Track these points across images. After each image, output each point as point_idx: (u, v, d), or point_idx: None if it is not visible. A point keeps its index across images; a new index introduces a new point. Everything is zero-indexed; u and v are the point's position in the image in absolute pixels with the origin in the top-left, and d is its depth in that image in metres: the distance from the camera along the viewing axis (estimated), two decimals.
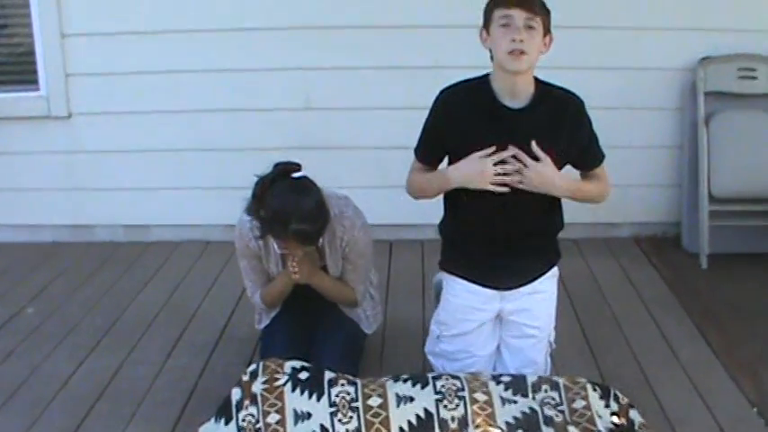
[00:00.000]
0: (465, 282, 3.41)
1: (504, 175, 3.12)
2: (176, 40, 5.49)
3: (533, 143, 3.11)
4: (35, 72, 5.67)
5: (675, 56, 5.43)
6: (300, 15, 5.42)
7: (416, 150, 3.42)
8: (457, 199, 3.34)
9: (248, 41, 5.47)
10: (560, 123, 3.21)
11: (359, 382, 3.28)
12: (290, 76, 5.54)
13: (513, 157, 3.12)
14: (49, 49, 5.58)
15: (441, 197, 3.41)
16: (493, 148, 3.13)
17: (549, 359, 3.55)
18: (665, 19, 5.35)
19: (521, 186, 3.12)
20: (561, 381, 3.29)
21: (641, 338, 4.32)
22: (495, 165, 3.11)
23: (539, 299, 3.43)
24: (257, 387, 3.19)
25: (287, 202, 3.37)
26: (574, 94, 3.29)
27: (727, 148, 5.28)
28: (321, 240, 3.58)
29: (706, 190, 5.28)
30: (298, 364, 3.27)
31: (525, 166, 3.11)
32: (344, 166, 5.43)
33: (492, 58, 3.19)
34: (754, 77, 5.32)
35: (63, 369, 4.08)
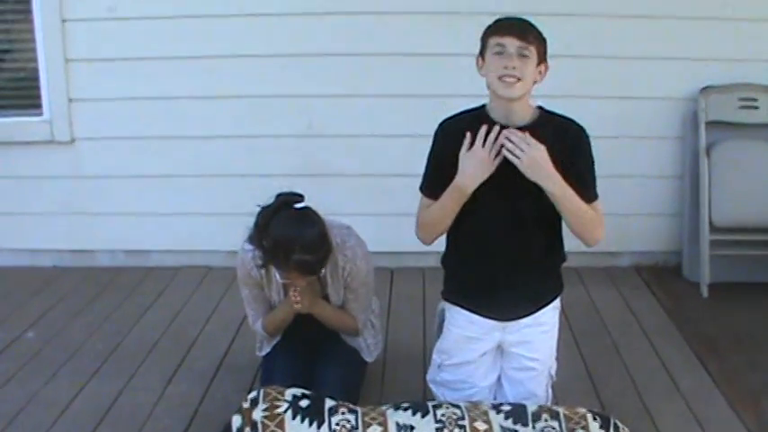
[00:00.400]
0: (466, 312, 3.41)
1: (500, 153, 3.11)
2: (179, 66, 5.52)
3: (526, 134, 3.10)
4: (39, 97, 5.69)
5: (677, 85, 5.45)
6: (302, 42, 5.45)
7: (422, 186, 3.37)
8: (458, 230, 3.34)
9: (251, 68, 5.50)
10: (559, 146, 3.18)
11: (359, 410, 3.27)
12: (293, 102, 5.56)
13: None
14: (53, 74, 5.60)
15: None
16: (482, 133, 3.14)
17: (550, 391, 3.54)
18: (666, 48, 5.37)
19: (515, 162, 3.08)
20: (561, 410, 3.27)
21: (641, 368, 4.31)
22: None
23: (540, 331, 3.42)
24: (258, 414, 3.17)
25: (290, 232, 3.38)
26: (576, 122, 3.29)
27: (728, 178, 5.29)
28: (323, 270, 3.58)
29: (707, 219, 5.28)
30: (298, 391, 3.26)
31: (521, 149, 3.09)
32: (346, 192, 5.44)
33: (488, 86, 3.21)
34: (755, 107, 5.33)
35: (63, 395, 4.07)
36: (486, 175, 3.13)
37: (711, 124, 5.32)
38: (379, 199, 5.50)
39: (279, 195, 3.50)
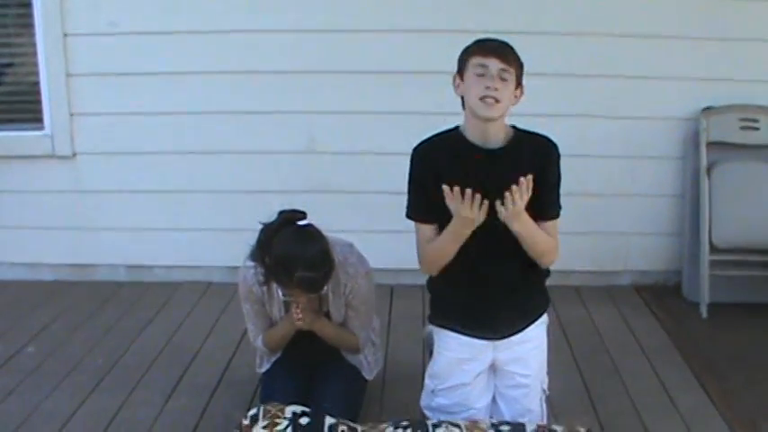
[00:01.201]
0: (456, 334, 3.40)
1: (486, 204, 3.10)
2: (180, 81, 5.53)
3: (522, 179, 3.06)
4: (40, 111, 5.71)
5: (678, 105, 5.46)
6: (304, 59, 5.47)
7: (409, 213, 3.38)
8: None
9: (252, 84, 5.52)
10: (532, 162, 3.20)
11: (359, 427, 3.28)
12: (294, 119, 5.57)
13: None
14: (54, 88, 5.62)
15: None
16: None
17: (544, 406, 3.53)
18: (667, 69, 5.39)
19: (501, 212, 3.09)
20: (560, 429, 3.28)
21: (640, 387, 4.31)
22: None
23: (530, 347, 3.43)
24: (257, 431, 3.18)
25: (292, 249, 3.39)
26: (549, 138, 3.30)
27: (729, 198, 5.30)
28: (325, 287, 3.59)
29: (707, 239, 5.29)
30: (298, 408, 3.27)
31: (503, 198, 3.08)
32: (346, 209, 5.45)
33: (463, 105, 3.22)
34: (756, 128, 5.34)
35: (63, 409, 4.07)
36: (481, 219, 3.11)
37: (712, 145, 5.33)
38: (378, 216, 5.50)
39: (281, 213, 3.51)
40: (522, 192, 3.05)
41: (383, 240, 5.02)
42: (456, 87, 3.25)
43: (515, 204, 3.05)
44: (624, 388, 4.31)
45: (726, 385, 4.32)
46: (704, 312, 5.28)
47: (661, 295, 5.62)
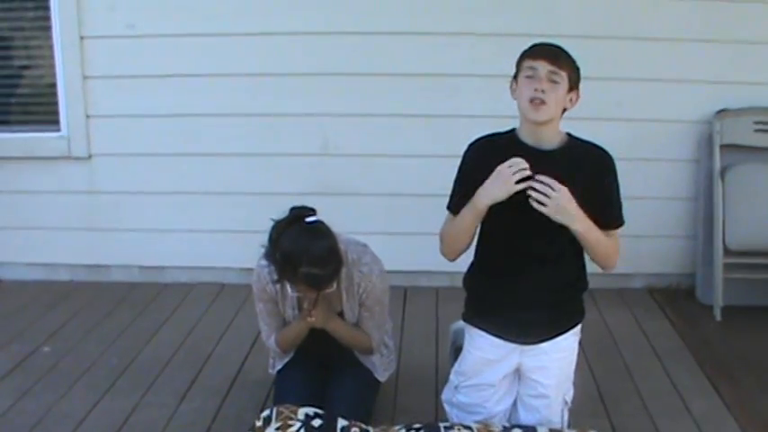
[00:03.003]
0: (488, 335, 3.40)
1: (528, 188, 3.09)
2: (196, 83, 5.56)
3: (552, 180, 3.08)
4: (57, 113, 5.75)
5: (692, 108, 5.46)
6: (318, 62, 5.49)
7: (450, 205, 3.40)
8: (484, 250, 3.38)
9: (267, 87, 5.53)
10: (584, 171, 3.22)
11: (371, 430, 3.29)
12: (308, 121, 5.59)
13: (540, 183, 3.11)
14: (71, 90, 5.65)
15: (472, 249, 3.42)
16: (513, 161, 3.13)
17: (566, 417, 3.52)
18: (681, 71, 5.39)
19: (541, 209, 3.09)
20: None
21: (653, 390, 4.31)
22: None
23: (558, 357, 3.42)
24: None
25: (298, 245, 3.39)
26: (602, 148, 3.31)
27: (743, 201, 5.29)
28: (338, 286, 3.60)
29: (721, 242, 5.28)
30: (311, 410, 3.28)
31: (552, 189, 3.09)
32: (361, 212, 5.46)
33: (518, 109, 3.23)
34: None
35: (78, 409, 4.10)
36: (502, 196, 3.12)
37: (726, 147, 5.33)
38: (393, 218, 5.51)
39: (292, 209, 3.53)
40: (548, 185, 3.06)
41: (397, 243, 5.03)
42: (512, 92, 3.26)
43: (551, 196, 3.06)
44: (637, 391, 4.31)
45: (739, 389, 4.32)
46: (718, 315, 5.27)
47: (674, 298, 5.61)
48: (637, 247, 5.60)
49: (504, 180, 3.12)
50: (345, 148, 5.61)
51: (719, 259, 5.28)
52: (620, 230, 3.36)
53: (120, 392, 4.30)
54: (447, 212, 3.41)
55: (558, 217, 3.11)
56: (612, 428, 3.88)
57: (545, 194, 3.07)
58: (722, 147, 5.32)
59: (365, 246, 3.78)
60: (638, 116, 5.45)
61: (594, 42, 5.31)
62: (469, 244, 3.35)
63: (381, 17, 5.42)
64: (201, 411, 4.09)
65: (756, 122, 5.34)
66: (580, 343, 4.57)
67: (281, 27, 5.45)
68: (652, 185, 5.55)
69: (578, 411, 3.72)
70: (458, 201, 3.36)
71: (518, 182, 3.09)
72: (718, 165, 5.31)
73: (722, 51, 5.35)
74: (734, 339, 4.98)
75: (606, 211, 3.28)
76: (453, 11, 5.36)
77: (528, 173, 3.09)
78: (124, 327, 5.14)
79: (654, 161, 5.53)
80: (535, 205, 3.09)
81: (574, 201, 3.10)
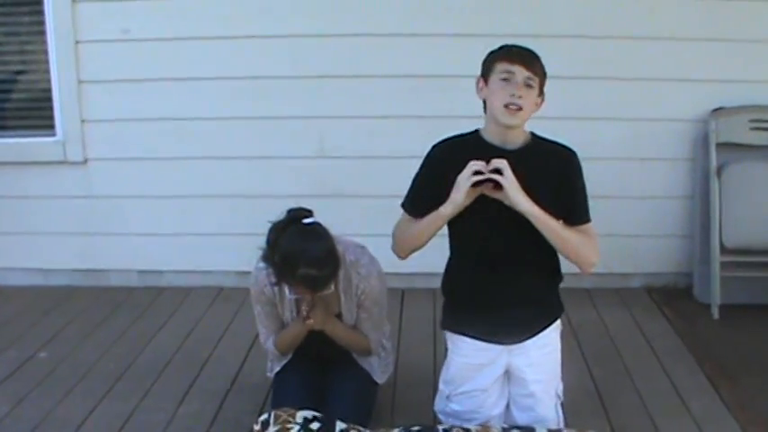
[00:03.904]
0: (470, 339, 3.40)
1: (485, 180, 3.08)
2: (191, 87, 5.56)
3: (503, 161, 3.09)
4: (52, 117, 5.75)
5: (687, 107, 5.46)
6: (314, 64, 5.48)
7: (405, 203, 3.42)
8: (458, 257, 3.40)
9: (263, 90, 5.53)
10: (549, 171, 3.23)
11: None
12: (305, 123, 5.59)
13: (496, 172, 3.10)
14: (66, 95, 5.65)
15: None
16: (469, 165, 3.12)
17: (560, 412, 3.51)
18: (677, 70, 5.39)
19: (499, 194, 3.08)
20: None
21: (652, 390, 4.30)
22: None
23: (544, 353, 3.41)
24: None
25: (295, 246, 3.40)
26: (567, 147, 3.31)
27: (739, 199, 5.29)
28: (336, 287, 3.60)
29: (718, 241, 5.28)
30: (309, 413, 3.27)
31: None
32: (357, 213, 5.45)
33: (485, 109, 3.23)
34: (766, 129, 5.33)
35: (75, 414, 4.09)
36: (460, 198, 3.11)
37: (722, 146, 5.33)
38: (390, 220, 5.45)
39: (289, 211, 3.53)
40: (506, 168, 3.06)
41: None
42: (479, 90, 3.26)
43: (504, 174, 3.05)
44: (635, 390, 4.30)
45: (738, 387, 4.31)
46: (716, 314, 5.27)
47: (672, 297, 5.61)
48: (634, 246, 5.62)
49: (459, 185, 3.11)
50: (342, 150, 5.61)
51: (716, 258, 5.29)
52: (591, 226, 3.33)
53: (118, 397, 4.30)
54: (403, 212, 3.43)
55: (519, 196, 3.08)
56: (611, 428, 3.88)
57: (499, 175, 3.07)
58: (718, 145, 5.32)
59: (363, 247, 3.78)
60: (634, 115, 5.45)
61: (590, 42, 5.32)
62: (424, 246, 3.35)
63: (378, 19, 5.42)
64: (200, 415, 4.08)
65: (752, 120, 5.34)
66: (578, 342, 4.59)
67: (277, 30, 5.45)
68: (648, 185, 5.55)
69: (577, 411, 3.73)
70: (414, 202, 3.39)
71: (475, 178, 3.09)
72: (714, 163, 5.31)
73: (718, 50, 5.35)
74: (732, 337, 4.98)
75: (572, 207, 3.28)
76: (450, 12, 5.37)
77: (481, 166, 3.09)
78: (122, 331, 5.14)
79: (650, 160, 5.53)
80: (490, 193, 3.09)
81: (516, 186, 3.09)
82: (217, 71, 5.53)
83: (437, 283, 5.37)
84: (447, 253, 3.45)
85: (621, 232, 5.45)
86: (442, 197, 3.18)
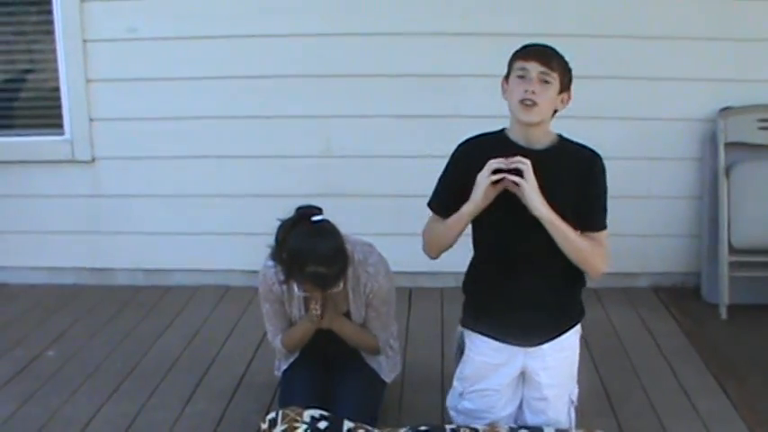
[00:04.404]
0: (488, 339, 3.39)
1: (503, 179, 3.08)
2: (199, 86, 5.56)
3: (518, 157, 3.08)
4: (60, 116, 5.75)
5: (695, 106, 5.45)
6: (321, 64, 5.49)
7: (431, 202, 3.41)
8: (480, 255, 3.38)
9: (270, 89, 5.53)
10: (573, 173, 3.22)
11: (377, 431, 3.28)
12: (311, 123, 5.59)
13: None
14: (74, 94, 5.66)
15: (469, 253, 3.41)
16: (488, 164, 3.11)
17: (573, 416, 3.50)
18: (685, 69, 5.38)
19: (517, 189, 3.07)
20: None
21: (659, 390, 4.29)
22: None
23: (562, 357, 3.40)
24: None
25: (304, 244, 3.40)
26: (593, 150, 3.29)
27: (748, 199, 5.28)
28: (344, 285, 3.60)
29: (726, 240, 5.27)
30: (317, 412, 3.27)
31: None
32: (364, 213, 5.45)
33: (509, 109, 3.22)
34: None
35: (82, 413, 4.09)
36: (479, 196, 3.11)
37: (730, 145, 5.31)
38: (396, 219, 5.50)
39: (298, 209, 3.53)
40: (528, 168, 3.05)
41: (401, 243, 4.99)
42: (503, 92, 3.25)
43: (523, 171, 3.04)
44: (643, 390, 4.30)
45: (746, 387, 4.30)
46: (723, 314, 5.26)
47: (680, 297, 5.60)
48: (642, 246, 5.60)
49: (478, 183, 3.11)
50: (348, 150, 5.60)
51: (725, 258, 5.27)
52: (605, 234, 3.32)
53: (124, 396, 4.30)
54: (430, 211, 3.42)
55: (536, 200, 3.07)
56: (619, 428, 3.87)
57: (519, 175, 3.06)
58: (726, 145, 5.31)
59: (371, 246, 3.78)
60: (642, 115, 5.44)
61: (597, 41, 5.31)
62: (452, 245, 3.34)
63: (384, 18, 5.42)
64: (206, 414, 4.08)
65: (761, 120, 5.32)
66: (586, 342, 4.57)
67: (283, 29, 5.45)
68: (656, 184, 5.54)
69: (584, 411, 3.71)
70: (440, 200, 3.38)
71: (494, 177, 3.08)
72: (722, 163, 5.29)
73: (726, 49, 5.34)
74: (740, 338, 4.97)
75: (589, 212, 3.27)
76: (455, 11, 5.36)
77: (500, 162, 3.08)
78: (128, 330, 5.14)
79: (658, 160, 5.52)
80: (515, 179, 3.07)
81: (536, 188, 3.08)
82: (224, 70, 5.53)
83: (444, 283, 5.40)
84: (456, 252, 3.44)
85: (629, 232, 5.44)
86: (468, 196, 3.17)
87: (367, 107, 5.51)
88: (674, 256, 5.73)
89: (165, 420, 4.02)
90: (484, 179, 3.09)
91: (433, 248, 3.38)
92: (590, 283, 5.16)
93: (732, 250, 5.28)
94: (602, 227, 3.30)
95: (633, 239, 5.53)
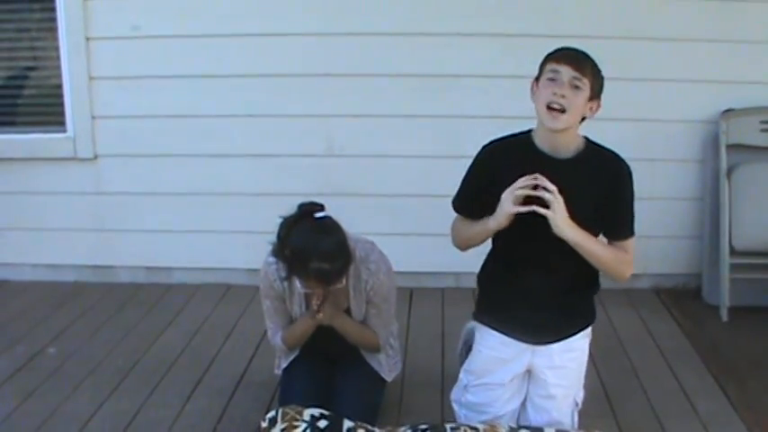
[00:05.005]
0: (499, 333, 3.39)
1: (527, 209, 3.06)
2: (201, 85, 5.57)
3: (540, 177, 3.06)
4: (63, 114, 5.75)
5: (698, 108, 5.44)
6: (323, 63, 5.49)
7: (455, 203, 3.40)
8: (497, 251, 3.38)
9: (272, 87, 5.54)
10: (600, 179, 3.21)
11: (377, 430, 3.28)
12: (313, 122, 5.59)
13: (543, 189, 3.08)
14: (77, 91, 5.66)
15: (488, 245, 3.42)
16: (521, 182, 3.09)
17: (576, 418, 3.51)
18: (687, 71, 5.38)
19: (548, 215, 3.04)
20: None
21: (660, 391, 4.30)
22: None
23: (569, 358, 3.40)
24: None
25: (308, 241, 3.41)
26: (620, 157, 3.28)
27: (749, 201, 5.28)
28: (345, 282, 3.60)
29: (727, 242, 5.27)
30: (317, 411, 3.27)
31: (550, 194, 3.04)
32: (366, 212, 5.45)
33: (536, 113, 3.18)
34: None
35: (83, 410, 4.09)
36: (504, 221, 3.10)
37: (732, 147, 5.31)
38: (398, 219, 5.51)
39: (301, 205, 3.54)
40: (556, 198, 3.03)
41: (402, 243, 5.02)
42: (532, 94, 3.20)
43: (552, 203, 3.02)
44: (643, 391, 4.30)
45: (746, 389, 4.30)
46: (724, 316, 5.26)
47: (681, 298, 5.60)
48: (643, 247, 5.54)
49: (504, 207, 3.09)
50: (350, 149, 5.61)
51: (726, 259, 5.27)
52: (632, 240, 3.34)
53: (125, 393, 4.30)
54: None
55: (565, 228, 3.07)
56: (619, 428, 3.88)
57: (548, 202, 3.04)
58: (728, 147, 5.31)
59: (372, 243, 3.78)
60: (643, 116, 5.44)
61: (599, 42, 5.24)
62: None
63: (386, 18, 5.42)
64: (207, 412, 4.09)
65: (762, 122, 5.32)
66: None
67: (286, 28, 5.45)
68: (658, 186, 5.53)
69: (585, 411, 3.71)
70: (463, 200, 3.38)
71: (521, 210, 3.07)
72: (724, 165, 5.30)
73: (728, 51, 5.34)
74: (740, 340, 4.97)
75: (616, 221, 3.27)
76: (460, 12, 5.35)
77: (528, 183, 3.06)
78: (130, 328, 5.15)
79: (660, 161, 5.51)
80: (542, 211, 3.05)
81: (563, 212, 3.07)
82: (226, 69, 5.53)
83: (445, 283, 5.40)
84: (457, 253, 3.44)
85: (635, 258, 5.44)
86: (491, 199, 3.16)
87: (369, 107, 5.51)
88: (675, 257, 5.73)
89: (165, 418, 4.03)
90: (509, 207, 3.07)
91: (462, 247, 3.41)
92: None
93: (733, 252, 5.28)
94: (631, 234, 3.31)
95: (635, 241, 5.52)
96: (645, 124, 5.45)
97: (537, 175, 3.06)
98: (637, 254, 5.60)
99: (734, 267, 5.27)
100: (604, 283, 5.35)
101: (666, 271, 5.76)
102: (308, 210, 3.51)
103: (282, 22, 5.45)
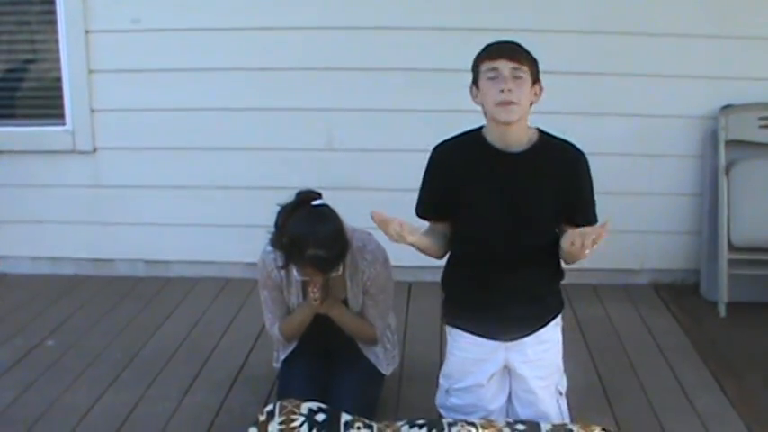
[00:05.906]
0: (468, 334, 3.41)
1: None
2: (200, 78, 5.56)
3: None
4: (62, 107, 5.75)
5: (696, 104, 5.44)
6: (323, 57, 5.49)
7: (417, 210, 3.45)
8: (458, 251, 3.41)
9: (272, 81, 5.54)
10: (557, 171, 3.22)
11: (375, 425, 3.29)
12: (313, 116, 5.59)
13: None
14: (76, 84, 5.66)
15: None
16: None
17: (564, 407, 3.51)
18: (686, 67, 5.38)
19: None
20: (575, 428, 3.27)
21: (657, 386, 4.30)
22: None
23: (543, 349, 3.41)
24: (274, 427, 3.19)
25: (304, 228, 3.42)
26: (574, 146, 3.29)
27: (748, 197, 5.28)
28: (342, 272, 3.61)
29: (726, 238, 5.27)
30: (315, 405, 3.28)
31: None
32: (365, 206, 5.39)
33: (485, 113, 3.21)
34: None
35: (82, 403, 4.10)
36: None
37: (731, 143, 5.31)
38: (398, 213, 5.44)
39: (298, 194, 3.55)
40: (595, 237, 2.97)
41: None
42: (474, 98, 3.23)
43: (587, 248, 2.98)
44: (641, 387, 4.30)
45: (744, 385, 4.31)
46: (722, 311, 5.27)
47: (679, 294, 5.60)
48: (642, 242, 5.61)
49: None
50: (350, 143, 5.61)
51: (724, 255, 5.28)
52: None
53: (123, 386, 4.30)
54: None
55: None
56: (616, 424, 3.87)
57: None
58: (727, 142, 5.31)
59: (370, 234, 3.78)
60: (642, 112, 5.44)
61: (598, 37, 5.31)
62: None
63: (386, 12, 5.42)
64: (205, 405, 4.09)
65: (761, 118, 5.32)
66: (584, 338, 4.59)
67: (286, 22, 5.45)
68: (656, 181, 5.54)
69: (582, 407, 3.73)
70: (426, 207, 3.43)
71: None
72: (723, 161, 5.30)
73: (727, 47, 5.34)
74: (738, 335, 4.97)
75: (578, 208, 3.27)
76: (457, 6, 5.36)
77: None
78: (128, 320, 5.15)
79: (658, 157, 5.52)
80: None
81: None
82: (226, 62, 5.53)
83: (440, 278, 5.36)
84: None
85: (629, 229, 5.44)
86: (448, 200, 3.19)
87: (369, 101, 5.51)
88: (673, 253, 5.74)
89: (163, 410, 4.03)
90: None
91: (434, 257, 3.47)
92: (589, 280, 5.20)
93: (732, 248, 5.28)
94: (594, 220, 3.29)
95: (633, 236, 5.54)
96: (644, 120, 5.45)
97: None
98: (635, 249, 5.64)
99: (732, 263, 5.27)
100: (603, 278, 5.39)
101: (665, 266, 5.77)
102: (305, 198, 3.52)
103: (282, 15, 5.45)
